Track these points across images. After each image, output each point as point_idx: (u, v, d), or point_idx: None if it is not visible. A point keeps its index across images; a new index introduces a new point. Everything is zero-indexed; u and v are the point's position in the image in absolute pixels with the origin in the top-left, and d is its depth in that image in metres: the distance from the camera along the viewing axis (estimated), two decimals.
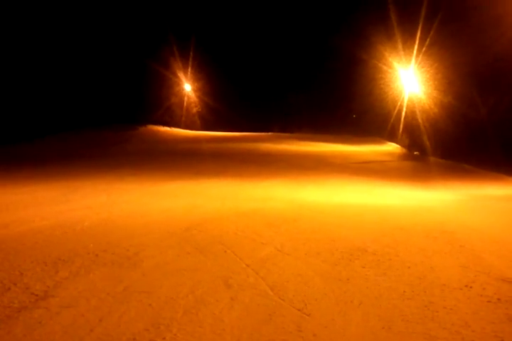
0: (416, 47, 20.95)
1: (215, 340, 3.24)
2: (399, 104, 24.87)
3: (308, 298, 4.02)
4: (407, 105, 23.82)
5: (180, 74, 40.18)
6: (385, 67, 25.23)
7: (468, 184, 13.70)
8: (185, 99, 41.56)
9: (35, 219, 7.40)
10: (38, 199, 9.43)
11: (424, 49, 20.48)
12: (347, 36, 28.83)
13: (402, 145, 26.13)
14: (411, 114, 23.26)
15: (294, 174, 14.75)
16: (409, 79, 23.67)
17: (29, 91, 28.38)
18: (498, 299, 3.95)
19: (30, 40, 28.86)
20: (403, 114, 24.31)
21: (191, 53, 38.10)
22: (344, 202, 9.57)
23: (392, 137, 28.45)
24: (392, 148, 27.32)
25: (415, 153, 23.15)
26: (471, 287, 4.25)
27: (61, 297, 4.00)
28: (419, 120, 21.75)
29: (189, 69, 39.74)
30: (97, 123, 31.50)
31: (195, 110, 41.83)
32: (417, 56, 21.34)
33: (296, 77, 41.04)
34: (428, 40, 19.80)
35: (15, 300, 3.92)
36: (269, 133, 34.64)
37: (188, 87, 41.57)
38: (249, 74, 41.10)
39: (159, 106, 38.13)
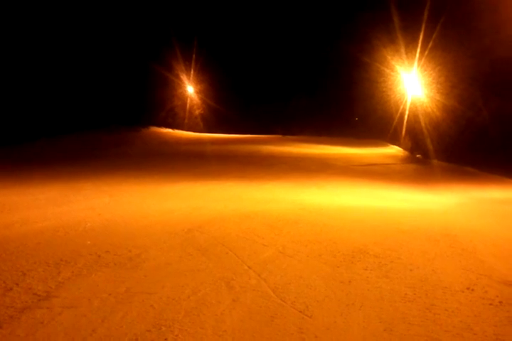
0: (418, 50, 20.94)
1: None
2: (401, 107, 24.87)
3: (310, 300, 4.02)
4: (410, 108, 23.82)
5: (183, 77, 40.26)
6: (387, 70, 25.23)
7: (471, 187, 13.68)
8: (188, 101, 41.62)
9: (37, 219, 7.42)
10: (41, 201, 9.45)
11: (426, 52, 20.48)
12: (350, 40, 28.93)
13: (405, 148, 26.12)
14: (414, 117, 23.24)
15: (296, 176, 14.75)
16: (412, 82, 23.67)
17: (32, 93, 28.45)
18: (500, 302, 3.95)
19: (33, 42, 28.95)
20: (406, 117, 24.32)
21: (194, 55, 38.23)
22: (346, 204, 9.57)
23: (394, 140, 28.47)
24: (394, 150, 27.32)
25: (418, 155, 23.14)
26: (472, 290, 4.25)
27: (63, 297, 4.01)
28: (422, 123, 21.74)
29: (192, 72, 39.84)
30: (100, 125, 31.56)
31: (197, 112, 41.88)
32: (420, 59, 21.33)
33: (299, 79, 41.14)
34: (431, 43, 19.81)
35: (17, 300, 3.93)
36: (278, 136, 34.72)
37: (190, 89, 41.64)
38: (252, 76, 41.20)
39: (162, 108, 38.22)
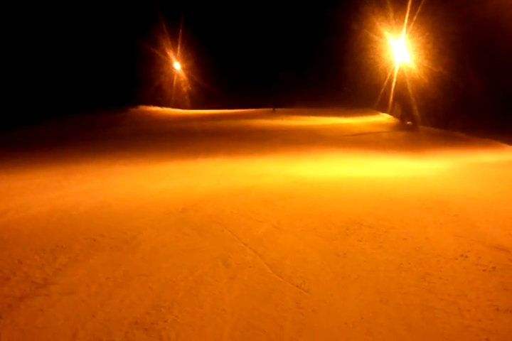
0: (407, 15, 20.74)
1: (215, 320, 3.28)
2: (390, 74, 24.76)
3: (307, 274, 4.06)
4: (398, 75, 23.73)
5: (170, 53, 39.78)
6: (376, 37, 25.01)
7: (462, 152, 13.76)
8: (175, 78, 41.22)
9: (31, 205, 7.41)
10: (33, 186, 9.42)
11: (415, 18, 20.28)
12: (337, 6, 28.52)
13: (395, 116, 26.12)
14: (401, 84, 23.17)
15: (288, 149, 14.75)
16: (400, 49, 23.50)
17: (19, 77, 28.00)
18: (493, 267, 4.00)
19: (17, 22, 28.33)
20: (393, 84, 24.23)
21: (181, 31, 37.64)
22: (339, 175, 9.60)
23: (383, 108, 28.43)
24: (384, 118, 27.30)
25: (408, 122, 23.15)
26: (466, 256, 4.30)
27: (61, 284, 4.03)
28: (410, 90, 21.69)
29: (178, 48, 39.30)
30: (88, 107, 31.24)
31: (185, 89, 41.52)
32: (408, 25, 21.14)
33: (286, 51, 40.74)
34: (419, 8, 19.60)
35: (15, 289, 3.94)
36: (268, 110, 34.27)
37: (177, 65, 41.18)
38: (239, 51, 40.76)
39: (149, 85, 37.82)
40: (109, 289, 3.88)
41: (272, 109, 33.94)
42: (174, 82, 40.81)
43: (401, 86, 23.25)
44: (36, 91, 28.29)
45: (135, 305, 3.56)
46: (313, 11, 37.44)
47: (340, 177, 9.28)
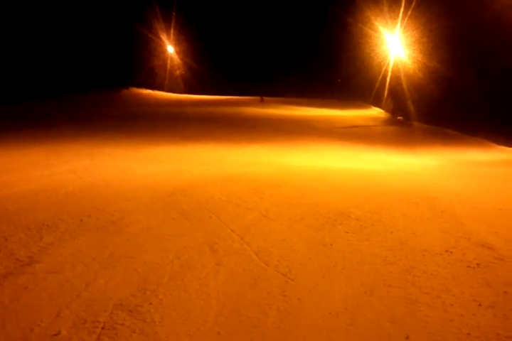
0: (402, 9, 20.69)
1: (200, 305, 3.29)
2: (384, 68, 24.77)
3: (293, 263, 4.08)
4: (392, 70, 23.74)
5: (163, 36, 39.38)
6: (370, 31, 24.97)
7: (452, 149, 13.84)
8: (168, 61, 40.89)
9: (18, 183, 7.35)
10: (20, 164, 9.34)
11: (409, 12, 20.24)
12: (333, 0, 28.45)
13: (386, 110, 26.19)
14: (396, 79, 23.20)
15: (279, 139, 14.75)
16: (395, 43, 23.48)
17: (12, 56, 27.67)
18: (478, 264, 4.04)
19: (15, 7, 27.94)
20: (388, 78, 24.25)
21: (174, 14, 37.23)
22: (328, 167, 9.62)
23: (376, 102, 28.49)
24: (376, 112, 27.36)
25: (399, 117, 23.22)
26: (451, 252, 4.34)
27: (46, 262, 4.01)
28: (404, 85, 21.72)
29: (172, 31, 38.91)
30: (79, 86, 30.97)
31: (178, 73, 41.23)
32: (403, 19, 21.10)
33: (281, 41, 40.56)
34: (414, 2, 19.56)
35: (0, 266, 3.92)
36: (258, 98, 33.91)
37: (171, 48, 40.81)
38: (234, 36, 40.49)
39: (142, 68, 37.51)
40: (95, 270, 3.87)
41: (260, 98, 33.48)
42: (167, 66, 40.51)
43: (395, 80, 23.28)
44: (31, 71, 28.01)
45: (120, 287, 3.56)
46: (309, 3, 37.28)
47: (329, 169, 9.30)
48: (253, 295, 3.46)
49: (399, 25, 21.70)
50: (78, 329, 2.95)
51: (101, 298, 3.36)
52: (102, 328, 2.97)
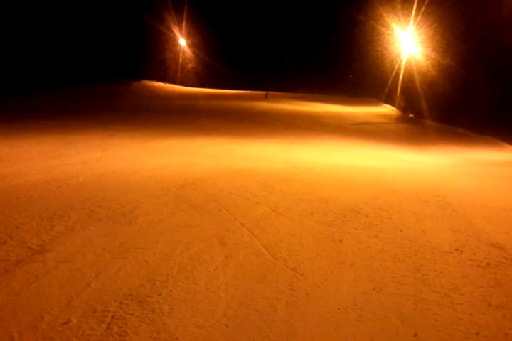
0: (415, 6, 20.55)
1: (209, 297, 3.31)
2: (397, 66, 24.63)
3: (302, 258, 4.08)
4: (405, 67, 23.60)
5: (175, 29, 39.36)
6: (383, 29, 24.84)
7: (463, 148, 13.77)
8: (180, 54, 40.89)
9: (29, 173, 7.39)
10: (32, 153, 9.39)
11: (423, 8, 20.09)
12: None
13: (398, 108, 26.07)
14: (408, 77, 23.07)
15: (288, 134, 14.73)
16: (408, 40, 23.34)
17: (25, 45, 27.84)
18: (488, 264, 4.03)
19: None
20: (400, 76, 24.12)
21: (186, 7, 37.18)
22: (338, 163, 9.59)
23: (388, 99, 28.36)
24: (387, 110, 27.24)
25: (410, 115, 23.12)
26: (461, 251, 4.33)
27: (57, 251, 4.04)
28: (417, 82, 21.59)
29: (184, 24, 38.87)
30: (91, 78, 31.09)
31: (190, 66, 41.24)
32: (416, 16, 20.96)
33: (293, 37, 40.43)
34: None
35: (11, 253, 3.95)
36: (264, 92, 33.48)
37: (183, 42, 40.80)
38: (247, 32, 40.39)
39: (154, 61, 37.56)
40: (105, 260, 3.90)
41: (265, 94, 32.44)
42: (180, 59, 40.52)
43: (408, 78, 23.15)
44: (44, 61, 28.17)
45: (130, 277, 3.58)
46: (322, 0, 37.10)
47: (339, 165, 9.28)
48: (262, 288, 3.47)
49: (412, 22, 21.55)
50: (88, 318, 2.97)
51: (111, 288, 3.39)
52: (112, 317, 2.99)
